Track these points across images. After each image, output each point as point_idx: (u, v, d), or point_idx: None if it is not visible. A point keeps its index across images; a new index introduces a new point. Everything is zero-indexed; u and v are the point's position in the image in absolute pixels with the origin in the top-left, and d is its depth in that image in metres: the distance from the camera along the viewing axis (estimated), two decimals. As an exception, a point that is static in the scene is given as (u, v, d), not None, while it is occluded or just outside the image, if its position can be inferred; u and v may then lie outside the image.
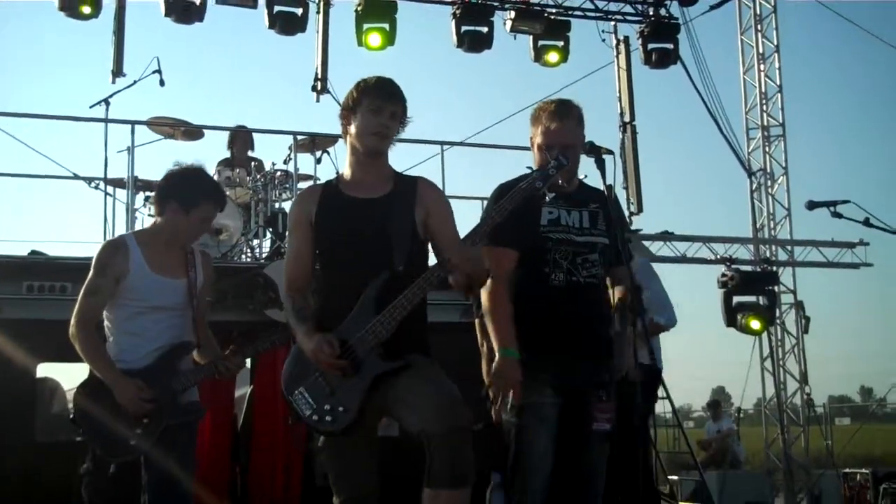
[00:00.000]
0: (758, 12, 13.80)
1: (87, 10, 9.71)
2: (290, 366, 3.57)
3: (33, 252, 7.74)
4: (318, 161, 9.04)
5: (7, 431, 6.78)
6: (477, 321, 4.38)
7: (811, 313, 13.13)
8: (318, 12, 10.76)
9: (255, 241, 8.95)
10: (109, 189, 8.31)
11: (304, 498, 7.22)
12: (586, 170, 4.09)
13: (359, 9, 10.57)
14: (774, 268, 12.63)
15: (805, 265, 13.30)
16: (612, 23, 12.29)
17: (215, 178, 8.35)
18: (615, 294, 4.09)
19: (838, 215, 4.51)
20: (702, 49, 12.15)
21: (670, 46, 11.67)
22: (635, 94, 12.38)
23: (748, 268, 12.24)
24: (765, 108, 13.70)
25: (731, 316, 11.36)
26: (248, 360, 6.72)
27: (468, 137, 11.66)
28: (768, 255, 13.19)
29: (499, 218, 3.49)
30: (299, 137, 8.88)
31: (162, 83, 8.92)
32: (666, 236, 12.37)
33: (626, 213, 10.79)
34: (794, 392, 13.30)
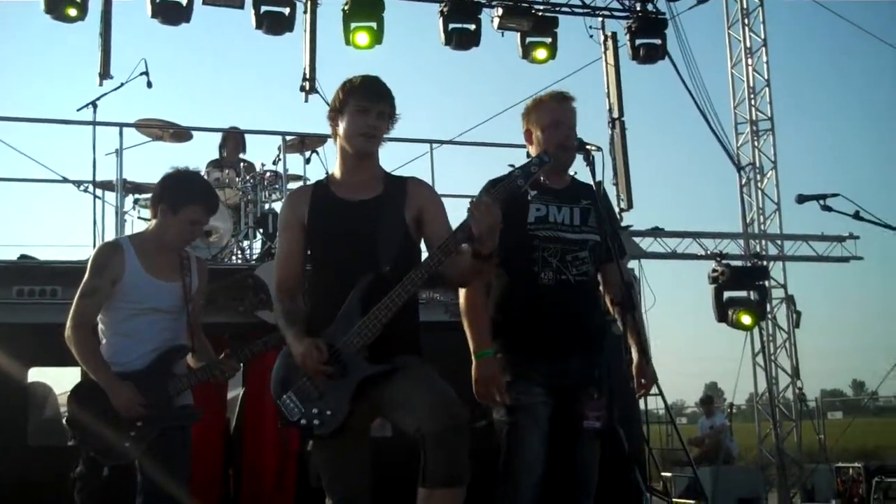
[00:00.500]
0: (744, 6, 13.83)
1: (73, 12, 9.67)
2: (278, 370, 3.57)
3: (23, 256, 7.70)
4: (308, 161, 9.03)
5: (-2, 437, 6.75)
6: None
7: (802, 307, 13.21)
8: (305, 12, 10.74)
9: (246, 243, 8.93)
10: (98, 192, 8.27)
11: (298, 499, 7.20)
12: (575, 166, 4.12)
13: (346, 8, 10.56)
14: (765, 262, 12.66)
15: (795, 259, 13.33)
16: (600, 19, 12.29)
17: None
18: (608, 294, 4.10)
19: (828, 209, 4.51)
20: (689, 44, 12.19)
21: (658, 42, 11.69)
22: (624, 89, 12.38)
23: (738, 263, 12.29)
24: (753, 102, 13.74)
25: (723, 311, 11.40)
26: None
27: (457, 135, 11.64)
28: (758, 249, 13.24)
29: None
30: (288, 138, 8.86)
31: (149, 85, 8.88)
32: (656, 232, 12.38)
33: (616, 210, 10.79)
34: (786, 387, 13.34)
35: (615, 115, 12.27)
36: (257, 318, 7.22)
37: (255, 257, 8.77)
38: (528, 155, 4.07)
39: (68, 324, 4.05)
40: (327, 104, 3.74)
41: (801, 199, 4.60)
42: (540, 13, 11.45)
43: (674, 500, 10.45)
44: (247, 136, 9.66)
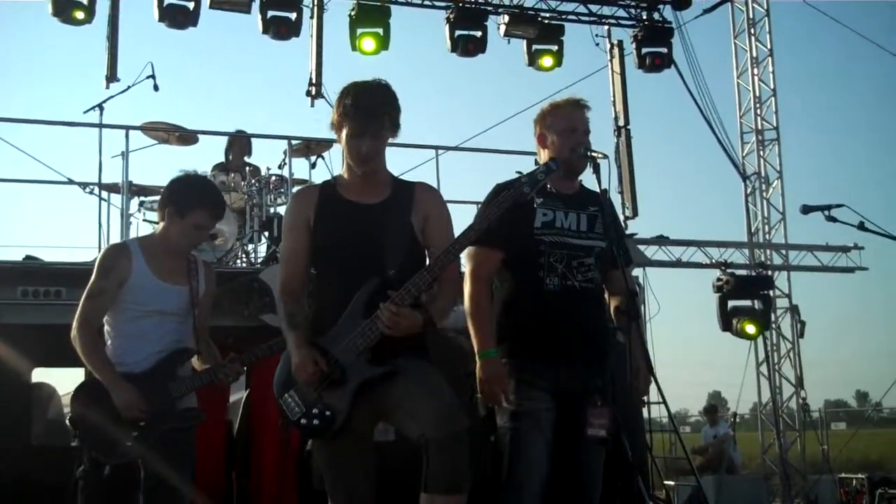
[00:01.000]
0: (751, 16, 13.84)
1: (80, 15, 9.71)
2: (281, 369, 3.58)
3: (28, 257, 7.73)
4: (313, 166, 9.06)
5: (2, 436, 6.76)
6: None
7: (806, 317, 13.16)
8: (311, 17, 10.75)
9: (251, 246, 8.94)
10: (104, 194, 8.30)
11: (301, 501, 7.20)
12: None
13: (352, 13, 10.58)
14: (769, 272, 12.64)
15: (800, 269, 13.30)
16: (606, 27, 12.29)
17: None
18: (612, 302, 4.10)
19: (833, 219, 4.50)
20: (695, 53, 12.19)
21: (664, 50, 11.70)
22: (629, 98, 12.39)
23: (743, 272, 12.27)
24: (759, 111, 13.72)
25: (727, 320, 11.39)
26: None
27: (463, 142, 11.65)
28: (763, 259, 13.22)
29: (486, 223, 3.49)
30: (294, 142, 8.87)
31: (156, 88, 8.89)
32: (661, 240, 12.37)
33: (621, 218, 10.79)
34: (789, 396, 13.32)
35: (621, 123, 12.28)
36: (261, 322, 7.23)
37: (259, 261, 8.78)
38: (537, 162, 4.07)
39: (74, 324, 4.07)
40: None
41: (806, 209, 4.58)
42: (546, 21, 11.48)
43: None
44: (252, 140, 9.67)
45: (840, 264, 13.09)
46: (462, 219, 3.62)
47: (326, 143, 8.74)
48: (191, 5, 9.97)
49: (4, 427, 6.82)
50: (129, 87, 9.02)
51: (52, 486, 5.48)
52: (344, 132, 3.55)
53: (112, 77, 9.83)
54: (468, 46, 11.03)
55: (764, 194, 13.56)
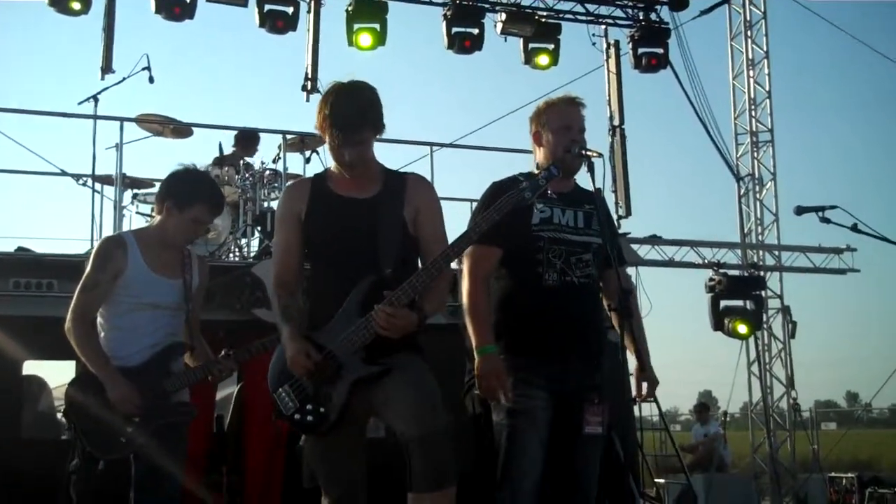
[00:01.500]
0: (747, 18, 13.86)
1: (76, 5, 9.68)
2: (276, 363, 3.57)
3: (20, 249, 7.71)
4: (308, 161, 9.06)
5: (-8, 428, 6.76)
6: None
7: (798, 318, 13.23)
8: (308, 12, 10.73)
9: (244, 241, 8.94)
10: (97, 186, 8.28)
11: (291, 498, 7.20)
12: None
13: (349, 9, 10.57)
14: (762, 272, 12.68)
15: (792, 270, 13.34)
16: (603, 27, 12.31)
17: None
18: (606, 301, 4.11)
19: (826, 220, 4.51)
20: (691, 54, 12.21)
21: (660, 51, 11.71)
22: (625, 97, 12.40)
23: (736, 272, 12.30)
24: (753, 113, 13.76)
25: (719, 320, 11.42)
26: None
27: (458, 139, 11.66)
28: (756, 259, 13.26)
29: (486, 226, 3.49)
30: (289, 137, 8.87)
31: (151, 80, 8.86)
32: (654, 240, 12.38)
33: (615, 217, 10.80)
34: (780, 396, 13.37)
35: (616, 122, 12.29)
36: (253, 316, 7.23)
37: (252, 255, 8.77)
38: (537, 166, 4.05)
39: (68, 316, 4.06)
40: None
41: (800, 210, 4.59)
42: (543, 19, 11.47)
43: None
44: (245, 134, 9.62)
45: (833, 266, 13.13)
46: (456, 216, 3.62)
47: (321, 139, 8.69)
48: (187, -3, 9.93)
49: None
50: (124, 79, 8.99)
51: (42, 479, 5.47)
52: (327, 139, 3.55)
53: (107, 68, 9.81)
54: (465, 43, 11.02)
55: (757, 195, 13.60)
